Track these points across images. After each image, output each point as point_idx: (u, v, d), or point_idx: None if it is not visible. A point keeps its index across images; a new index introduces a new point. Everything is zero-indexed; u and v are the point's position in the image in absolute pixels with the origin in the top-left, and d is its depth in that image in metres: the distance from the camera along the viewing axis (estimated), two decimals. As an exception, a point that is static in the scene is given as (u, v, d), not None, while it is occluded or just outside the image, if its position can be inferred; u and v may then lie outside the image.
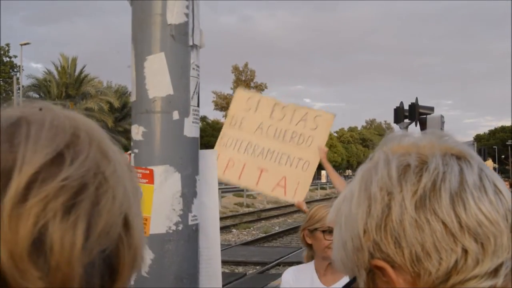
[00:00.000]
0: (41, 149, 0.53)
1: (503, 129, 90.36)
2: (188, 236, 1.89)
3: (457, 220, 0.71)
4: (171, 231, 1.86)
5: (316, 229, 2.72)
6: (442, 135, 0.81)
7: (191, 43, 1.97)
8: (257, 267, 13.52)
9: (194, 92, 1.99)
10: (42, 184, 0.51)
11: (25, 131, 0.54)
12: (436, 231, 0.71)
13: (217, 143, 3.72)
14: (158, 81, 1.92)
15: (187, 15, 1.96)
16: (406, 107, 14.63)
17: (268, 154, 3.72)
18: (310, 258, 2.89)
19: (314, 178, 3.99)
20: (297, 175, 3.71)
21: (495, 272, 0.71)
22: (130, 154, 1.95)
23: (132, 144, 1.97)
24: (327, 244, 2.67)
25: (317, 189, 40.56)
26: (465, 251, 0.70)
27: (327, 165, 3.81)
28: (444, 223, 0.71)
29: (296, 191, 3.67)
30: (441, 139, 0.80)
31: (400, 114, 14.68)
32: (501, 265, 0.71)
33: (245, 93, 3.93)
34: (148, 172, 1.89)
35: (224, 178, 3.69)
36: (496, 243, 0.71)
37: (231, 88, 69.29)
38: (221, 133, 3.80)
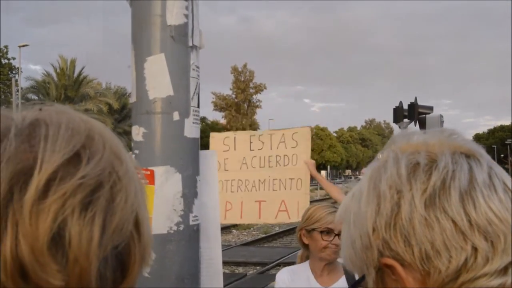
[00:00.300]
0: (59, 149, 0.56)
1: (502, 128, 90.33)
2: (189, 236, 1.89)
3: (467, 218, 0.71)
4: (172, 232, 1.86)
5: (313, 229, 2.72)
6: (451, 133, 0.81)
7: (190, 44, 1.97)
8: (257, 267, 13.52)
9: (194, 93, 1.99)
10: (61, 182, 0.54)
11: (44, 132, 0.57)
12: (446, 229, 0.71)
13: None
14: (158, 82, 1.92)
15: (186, 16, 1.96)
16: (405, 106, 14.64)
17: (260, 185, 3.77)
18: (305, 258, 2.89)
19: (313, 179, 4.05)
20: (294, 195, 3.75)
21: (504, 270, 0.71)
22: (131, 155, 1.96)
23: (132, 145, 1.97)
24: (324, 244, 2.68)
25: (316, 189, 40.57)
26: (475, 249, 0.70)
27: (318, 176, 3.85)
28: (453, 221, 0.71)
29: (298, 210, 3.72)
30: (450, 138, 0.80)
31: (399, 114, 14.68)
32: (511, 263, 0.71)
33: (220, 135, 4.00)
34: (149, 172, 1.89)
35: (226, 221, 3.74)
36: (506, 241, 0.71)
37: (231, 89, 69.24)
38: None
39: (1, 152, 0.54)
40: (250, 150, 3.81)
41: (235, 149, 3.82)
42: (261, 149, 3.81)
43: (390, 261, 0.74)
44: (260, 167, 3.79)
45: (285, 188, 3.74)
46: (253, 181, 3.76)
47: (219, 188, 3.71)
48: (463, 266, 0.70)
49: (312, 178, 3.92)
